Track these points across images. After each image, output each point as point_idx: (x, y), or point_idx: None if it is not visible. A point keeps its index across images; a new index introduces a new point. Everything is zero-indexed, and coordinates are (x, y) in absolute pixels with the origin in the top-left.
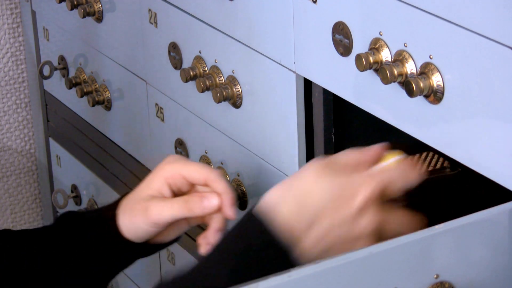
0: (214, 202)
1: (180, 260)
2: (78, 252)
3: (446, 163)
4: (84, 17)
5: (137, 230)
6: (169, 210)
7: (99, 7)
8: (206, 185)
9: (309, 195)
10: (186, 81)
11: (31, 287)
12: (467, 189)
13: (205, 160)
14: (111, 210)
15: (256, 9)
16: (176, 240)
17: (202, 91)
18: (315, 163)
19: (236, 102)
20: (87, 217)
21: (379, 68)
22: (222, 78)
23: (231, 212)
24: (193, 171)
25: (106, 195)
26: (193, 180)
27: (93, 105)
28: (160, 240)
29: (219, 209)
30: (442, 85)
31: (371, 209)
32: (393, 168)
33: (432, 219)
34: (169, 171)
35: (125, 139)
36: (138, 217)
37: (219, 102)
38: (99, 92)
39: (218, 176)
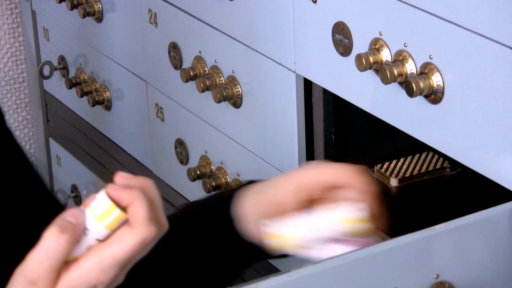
0: None
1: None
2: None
3: (446, 163)
4: (84, 17)
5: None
6: None
7: (99, 7)
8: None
9: None
10: (186, 81)
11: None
12: (467, 189)
13: (205, 160)
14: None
15: (256, 9)
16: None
17: (202, 91)
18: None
19: (236, 102)
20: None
21: (379, 68)
22: (222, 78)
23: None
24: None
25: None
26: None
27: (93, 105)
28: None
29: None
30: (442, 85)
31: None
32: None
33: (432, 219)
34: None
35: (125, 139)
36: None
37: (219, 102)
38: (99, 92)
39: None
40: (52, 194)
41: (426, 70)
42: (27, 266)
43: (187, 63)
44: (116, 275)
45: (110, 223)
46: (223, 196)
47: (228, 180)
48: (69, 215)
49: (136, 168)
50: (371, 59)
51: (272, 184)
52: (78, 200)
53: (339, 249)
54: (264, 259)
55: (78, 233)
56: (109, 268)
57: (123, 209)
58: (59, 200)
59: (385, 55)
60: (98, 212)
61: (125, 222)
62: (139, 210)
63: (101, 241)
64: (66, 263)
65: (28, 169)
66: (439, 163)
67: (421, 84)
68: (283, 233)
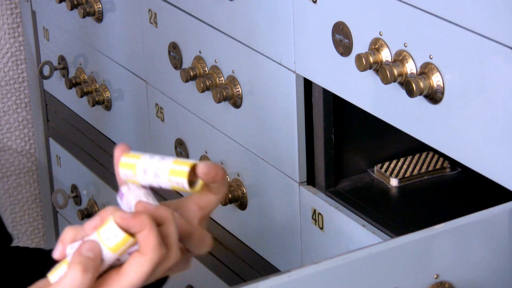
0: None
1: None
2: None
3: (446, 163)
4: (84, 17)
5: None
6: None
7: (99, 7)
8: None
9: None
10: (186, 81)
11: None
12: (467, 189)
13: (205, 160)
14: None
15: (256, 9)
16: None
17: (202, 91)
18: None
19: (236, 102)
20: None
21: (379, 68)
22: (222, 78)
23: None
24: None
25: (106, 195)
26: None
27: (93, 105)
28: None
29: None
30: (442, 85)
31: None
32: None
33: (432, 219)
34: None
35: (125, 139)
36: None
37: (219, 102)
38: (99, 92)
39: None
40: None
41: (426, 70)
42: None
43: (187, 63)
44: None
45: (122, 251)
46: None
47: (228, 180)
48: (87, 249)
49: None
50: (371, 59)
51: None
52: (78, 200)
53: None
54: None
55: (98, 268)
56: None
57: (132, 234)
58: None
59: (385, 55)
60: (111, 243)
61: (134, 245)
62: (149, 238)
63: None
64: None
65: None
66: (439, 163)
67: (421, 84)
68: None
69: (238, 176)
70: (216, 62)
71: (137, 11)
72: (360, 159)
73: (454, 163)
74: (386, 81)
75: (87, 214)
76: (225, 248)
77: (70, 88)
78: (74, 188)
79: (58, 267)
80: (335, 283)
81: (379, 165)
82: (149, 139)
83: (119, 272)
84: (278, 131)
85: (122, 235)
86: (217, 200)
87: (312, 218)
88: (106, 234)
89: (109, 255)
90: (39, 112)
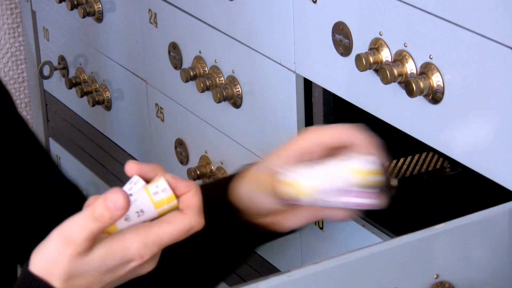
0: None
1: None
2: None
3: (446, 163)
4: (84, 17)
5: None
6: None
7: (99, 7)
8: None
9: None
10: (186, 81)
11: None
12: (467, 189)
13: (205, 160)
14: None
15: (256, 9)
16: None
17: (202, 91)
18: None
19: (236, 102)
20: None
21: (379, 68)
22: (222, 78)
23: None
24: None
25: None
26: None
27: (93, 105)
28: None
29: None
30: (442, 85)
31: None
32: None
33: (432, 219)
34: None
35: (125, 139)
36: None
37: (219, 102)
38: (99, 92)
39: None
40: (66, 177)
41: (426, 70)
42: (66, 227)
43: (187, 63)
44: (153, 256)
45: (164, 210)
46: (219, 184)
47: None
48: (111, 200)
49: None
50: (371, 59)
51: (273, 155)
52: None
53: (352, 200)
54: (272, 240)
55: (112, 221)
56: (152, 245)
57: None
58: (75, 184)
59: (385, 55)
60: (157, 198)
61: (173, 211)
62: (193, 200)
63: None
64: (107, 231)
65: (41, 154)
66: (439, 163)
67: (421, 84)
68: (297, 181)
69: None
70: (216, 62)
71: (137, 11)
72: None
73: (454, 163)
74: (386, 81)
75: None
76: None
77: (70, 88)
78: None
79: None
80: (335, 283)
81: None
82: (149, 139)
83: (153, 221)
84: (278, 131)
85: (170, 192)
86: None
87: None
88: (154, 189)
89: (150, 210)
90: (39, 112)
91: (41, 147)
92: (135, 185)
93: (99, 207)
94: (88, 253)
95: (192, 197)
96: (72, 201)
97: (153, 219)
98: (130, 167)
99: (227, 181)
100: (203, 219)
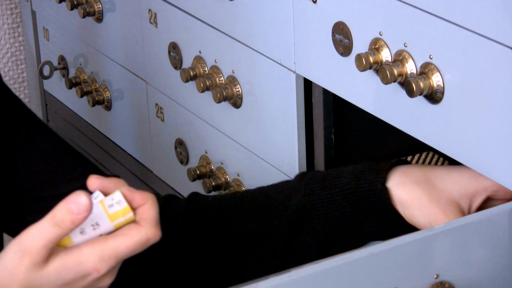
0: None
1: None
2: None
3: (446, 163)
4: (84, 17)
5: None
6: None
7: (99, 7)
8: None
9: None
10: (186, 81)
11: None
12: None
13: (205, 160)
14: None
15: (256, 9)
16: None
17: (202, 91)
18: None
19: (236, 102)
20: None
21: (379, 68)
22: (222, 78)
23: None
24: None
25: None
26: None
27: (93, 105)
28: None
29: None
30: (442, 85)
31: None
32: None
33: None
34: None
35: (125, 139)
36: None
37: (219, 102)
38: (99, 92)
39: None
40: (51, 131)
41: (426, 70)
42: (23, 237)
43: (187, 63)
44: (111, 269)
45: (119, 223)
46: (287, 187)
47: (228, 180)
48: (74, 202)
49: (136, 168)
50: (371, 59)
51: (447, 177)
52: None
53: None
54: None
55: (73, 226)
56: (108, 258)
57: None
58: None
59: (385, 55)
60: (112, 211)
61: (130, 223)
62: (150, 212)
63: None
64: (61, 244)
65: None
66: (439, 163)
67: (421, 84)
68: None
69: (238, 176)
70: (216, 62)
71: (137, 11)
72: (360, 159)
73: (454, 163)
74: (386, 81)
75: None
76: None
77: (70, 88)
78: None
79: None
80: (335, 283)
81: None
82: (149, 139)
83: (114, 236)
84: (278, 131)
85: (125, 204)
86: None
87: None
88: (109, 202)
89: (105, 222)
90: (39, 112)
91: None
92: (95, 200)
93: (60, 212)
94: (45, 265)
95: (149, 209)
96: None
97: (109, 232)
98: (92, 181)
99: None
100: (159, 230)
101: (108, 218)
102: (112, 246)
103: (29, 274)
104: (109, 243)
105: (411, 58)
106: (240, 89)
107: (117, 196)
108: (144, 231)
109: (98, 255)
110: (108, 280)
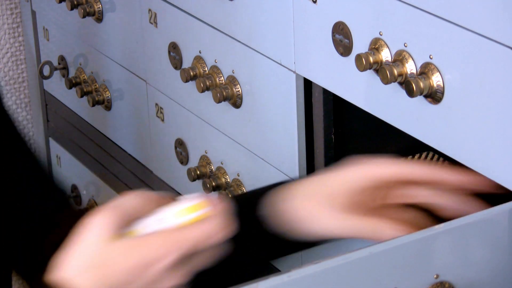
0: None
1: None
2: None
3: (446, 163)
4: (84, 17)
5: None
6: None
7: (99, 7)
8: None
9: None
10: (186, 81)
11: None
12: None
13: (205, 160)
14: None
15: (256, 9)
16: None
17: (202, 91)
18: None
19: (236, 102)
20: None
21: (379, 68)
22: (222, 78)
23: None
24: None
25: (106, 195)
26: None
27: (93, 105)
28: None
29: None
30: (442, 85)
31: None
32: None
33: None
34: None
35: (125, 139)
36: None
37: (219, 102)
38: (99, 92)
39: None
40: (47, 175)
41: (426, 70)
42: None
43: (187, 63)
44: (174, 264)
45: (189, 220)
46: (253, 196)
47: (228, 180)
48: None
49: (136, 168)
50: (371, 59)
51: (335, 179)
52: (78, 200)
53: None
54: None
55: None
56: (173, 244)
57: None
58: (57, 184)
59: (385, 55)
60: (180, 208)
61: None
62: (220, 206)
63: None
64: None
65: (24, 150)
66: (439, 163)
67: (421, 84)
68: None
69: (238, 176)
70: (216, 62)
71: (137, 11)
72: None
73: (454, 163)
74: (386, 81)
75: None
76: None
77: (70, 88)
78: (74, 188)
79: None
80: (335, 283)
81: None
82: (149, 139)
83: (183, 227)
84: (278, 131)
85: (197, 202)
86: None
87: None
88: (180, 206)
89: (172, 219)
90: (39, 112)
91: (28, 151)
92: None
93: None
94: (113, 242)
95: (219, 204)
96: (57, 206)
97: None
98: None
99: (260, 195)
100: (231, 224)
101: (177, 215)
102: (179, 233)
103: (100, 247)
104: (175, 231)
105: (411, 58)
106: (240, 89)
107: (190, 196)
108: (215, 222)
109: (162, 238)
110: (170, 281)
